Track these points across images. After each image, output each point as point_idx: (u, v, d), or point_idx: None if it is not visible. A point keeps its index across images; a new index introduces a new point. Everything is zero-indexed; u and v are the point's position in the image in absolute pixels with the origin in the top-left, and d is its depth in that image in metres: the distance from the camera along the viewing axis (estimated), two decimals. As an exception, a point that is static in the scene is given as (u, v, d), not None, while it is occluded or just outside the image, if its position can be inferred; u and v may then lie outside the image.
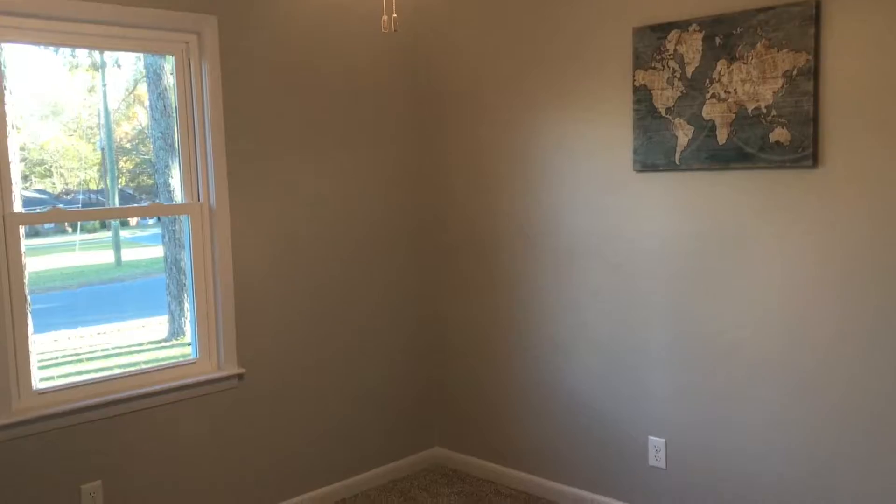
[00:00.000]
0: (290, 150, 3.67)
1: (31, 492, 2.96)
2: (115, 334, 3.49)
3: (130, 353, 3.44)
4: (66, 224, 3.33)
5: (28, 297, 2.96)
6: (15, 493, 2.92)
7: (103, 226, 3.49)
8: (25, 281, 2.95)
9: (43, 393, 3.02)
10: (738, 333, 3.15)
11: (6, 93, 2.87)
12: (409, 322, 4.23)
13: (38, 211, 3.08)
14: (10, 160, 2.89)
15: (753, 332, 3.11)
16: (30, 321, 2.97)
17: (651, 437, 3.45)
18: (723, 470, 3.24)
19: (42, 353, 3.11)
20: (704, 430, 3.28)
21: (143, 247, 3.64)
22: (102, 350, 3.40)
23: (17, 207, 2.95)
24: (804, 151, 2.89)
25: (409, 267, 4.21)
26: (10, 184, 2.91)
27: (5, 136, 2.88)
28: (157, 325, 3.54)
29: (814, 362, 2.97)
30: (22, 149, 3.06)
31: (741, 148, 3.05)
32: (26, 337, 2.96)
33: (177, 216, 3.44)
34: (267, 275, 3.61)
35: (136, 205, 3.52)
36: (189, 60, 3.35)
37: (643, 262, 3.42)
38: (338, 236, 3.88)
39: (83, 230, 3.41)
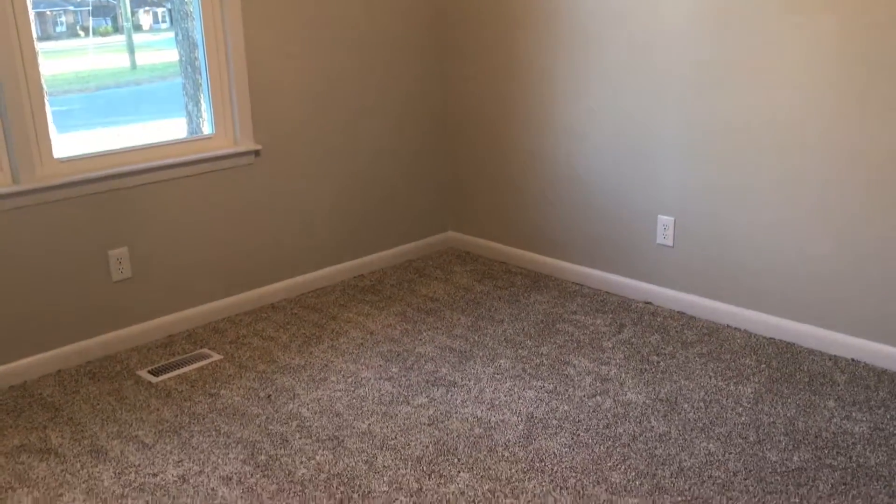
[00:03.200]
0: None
1: (61, 257, 3.10)
2: (134, 136, 3.51)
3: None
4: (78, 28, 3.29)
5: (38, 49, 2.95)
6: (46, 258, 3.06)
7: (116, 29, 3.41)
8: (34, 36, 2.92)
9: (65, 161, 3.08)
10: (751, 113, 3.12)
11: None
12: (423, 108, 4.21)
13: (49, 12, 3.04)
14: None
15: (767, 111, 3.08)
16: (45, 89, 2.98)
17: (660, 216, 3.52)
18: (729, 244, 3.33)
19: (66, 154, 3.14)
20: (713, 207, 3.34)
21: (157, 50, 3.58)
22: (122, 149, 3.42)
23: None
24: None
25: (424, 51, 4.13)
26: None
27: None
28: (176, 127, 3.55)
29: (821, 136, 2.96)
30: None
31: None
32: (42, 100, 2.97)
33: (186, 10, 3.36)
34: (280, 52, 3.56)
35: (147, 6, 3.43)
36: None
37: (660, 43, 3.32)
38: (354, 17, 3.77)
39: (96, 33, 3.35)
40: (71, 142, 3.17)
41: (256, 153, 3.56)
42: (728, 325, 3.39)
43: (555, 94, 3.78)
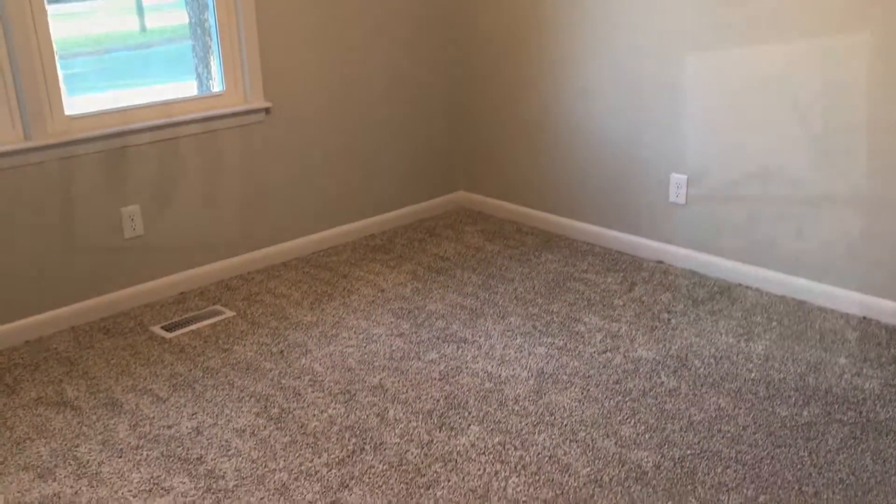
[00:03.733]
0: None
1: (74, 214, 3.11)
2: (144, 98, 3.50)
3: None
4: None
5: (47, 11, 2.93)
6: (59, 215, 3.07)
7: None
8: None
9: (76, 118, 3.08)
10: (767, 72, 3.08)
11: None
12: (435, 67, 4.18)
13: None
14: None
15: (785, 65, 3.04)
16: (54, 45, 2.97)
17: (673, 175, 3.50)
18: (741, 202, 3.30)
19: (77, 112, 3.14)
20: (726, 165, 3.31)
21: (167, 12, 3.56)
22: (133, 106, 3.41)
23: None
24: None
25: (435, 11, 4.08)
26: None
27: None
28: (186, 89, 3.54)
29: (836, 96, 2.92)
30: None
31: None
32: (53, 58, 2.96)
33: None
34: (290, 12, 3.52)
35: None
36: None
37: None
38: (361, -31, 3.74)
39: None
40: (81, 104, 3.16)
41: (267, 111, 3.55)
42: (739, 284, 3.38)
43: (567, 54, 3.74)
